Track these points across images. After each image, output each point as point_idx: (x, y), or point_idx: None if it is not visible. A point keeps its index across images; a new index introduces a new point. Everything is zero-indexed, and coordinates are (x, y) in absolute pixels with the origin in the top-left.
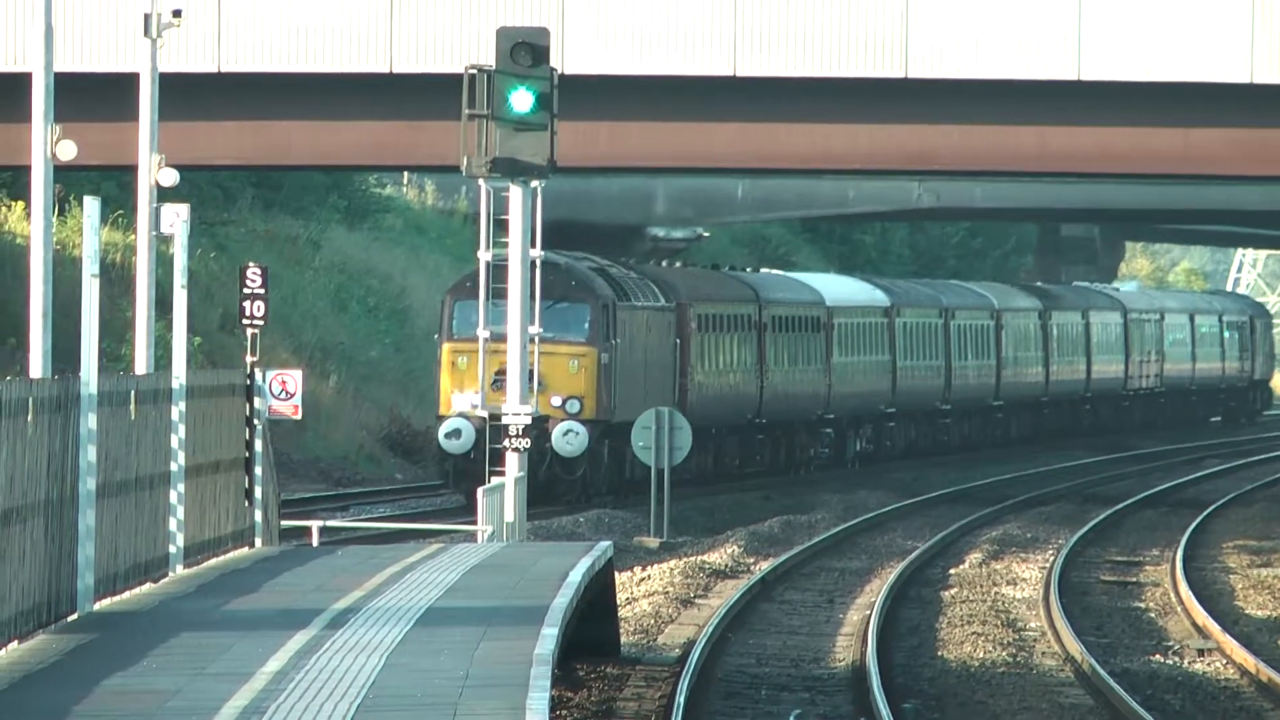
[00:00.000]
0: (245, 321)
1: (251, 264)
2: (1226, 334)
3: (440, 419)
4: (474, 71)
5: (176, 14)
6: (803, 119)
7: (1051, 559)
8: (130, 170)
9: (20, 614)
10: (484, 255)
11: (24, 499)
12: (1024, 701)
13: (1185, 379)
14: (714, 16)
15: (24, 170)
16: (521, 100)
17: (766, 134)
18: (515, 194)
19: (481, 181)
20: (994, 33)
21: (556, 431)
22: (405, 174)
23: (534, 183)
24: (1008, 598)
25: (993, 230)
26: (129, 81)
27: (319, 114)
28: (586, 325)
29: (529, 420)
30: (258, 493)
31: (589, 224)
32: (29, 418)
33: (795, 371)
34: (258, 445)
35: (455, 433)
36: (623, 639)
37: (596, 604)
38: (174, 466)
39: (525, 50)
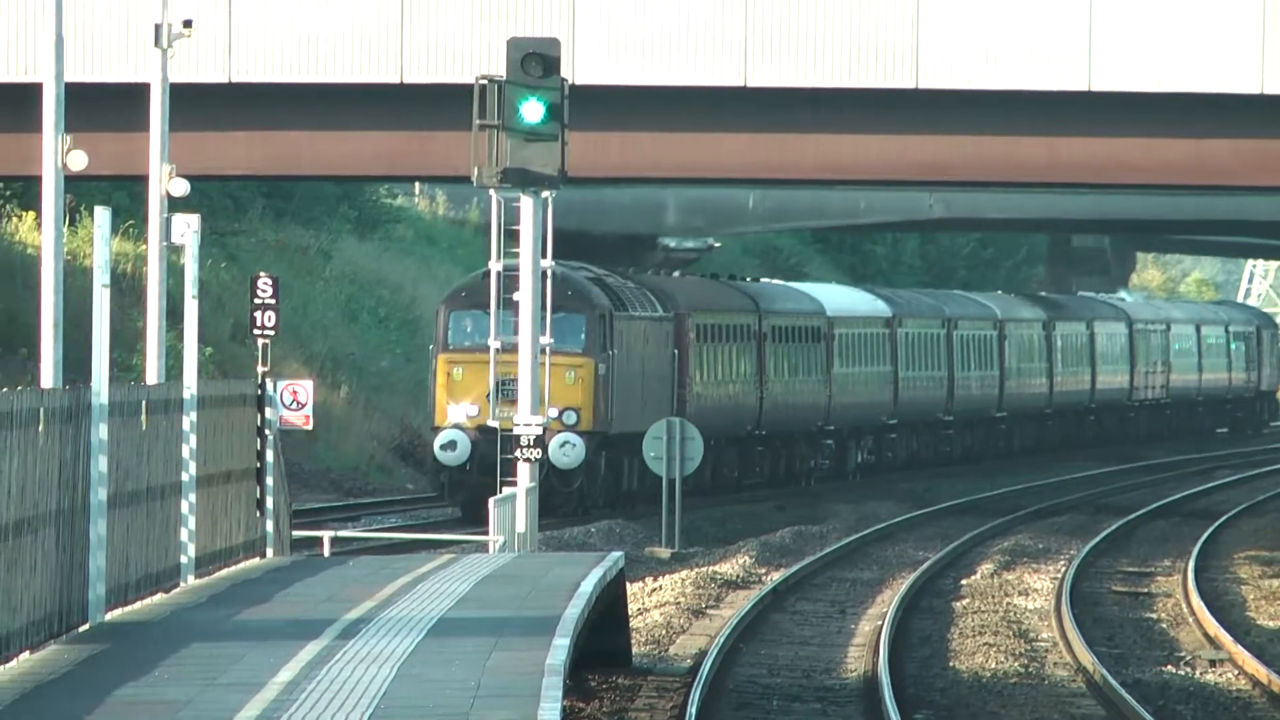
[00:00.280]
0: (256, 332)
1: (262, 274)
2: (1233, 345)
3: (435, 430)
4: (485, 82)
5: (187, 24)
6: (813, 129)
7: (1063, 569)
8: (141, 180)
9: (31, 624)
10: (495, 266)
11: (35, 509)
12: (1036, 712)
13: (1191, 390)
14: (725, 27)
15: (35, 180)
16: (532, 111)
17: (777, 144)
18: (526, 204)
19: (492, 192)
20: (1005, 43)
21: (553, 443)
22: (416, 184)
23: (545, 193)
24: (1019, 608)
25: (1003, 241)
26: (140, 91)
27: (330, 124)
28: (583, 335)
29: (540, 431)
30: (269, 503)
31: (600, 234)
32: (40, 428)
33: (795, 382)
34: (269, 455)
35: (450, 444)
36: (634, 649)
37: (608, 614)
38: (185, 477)
39: (536, 61)
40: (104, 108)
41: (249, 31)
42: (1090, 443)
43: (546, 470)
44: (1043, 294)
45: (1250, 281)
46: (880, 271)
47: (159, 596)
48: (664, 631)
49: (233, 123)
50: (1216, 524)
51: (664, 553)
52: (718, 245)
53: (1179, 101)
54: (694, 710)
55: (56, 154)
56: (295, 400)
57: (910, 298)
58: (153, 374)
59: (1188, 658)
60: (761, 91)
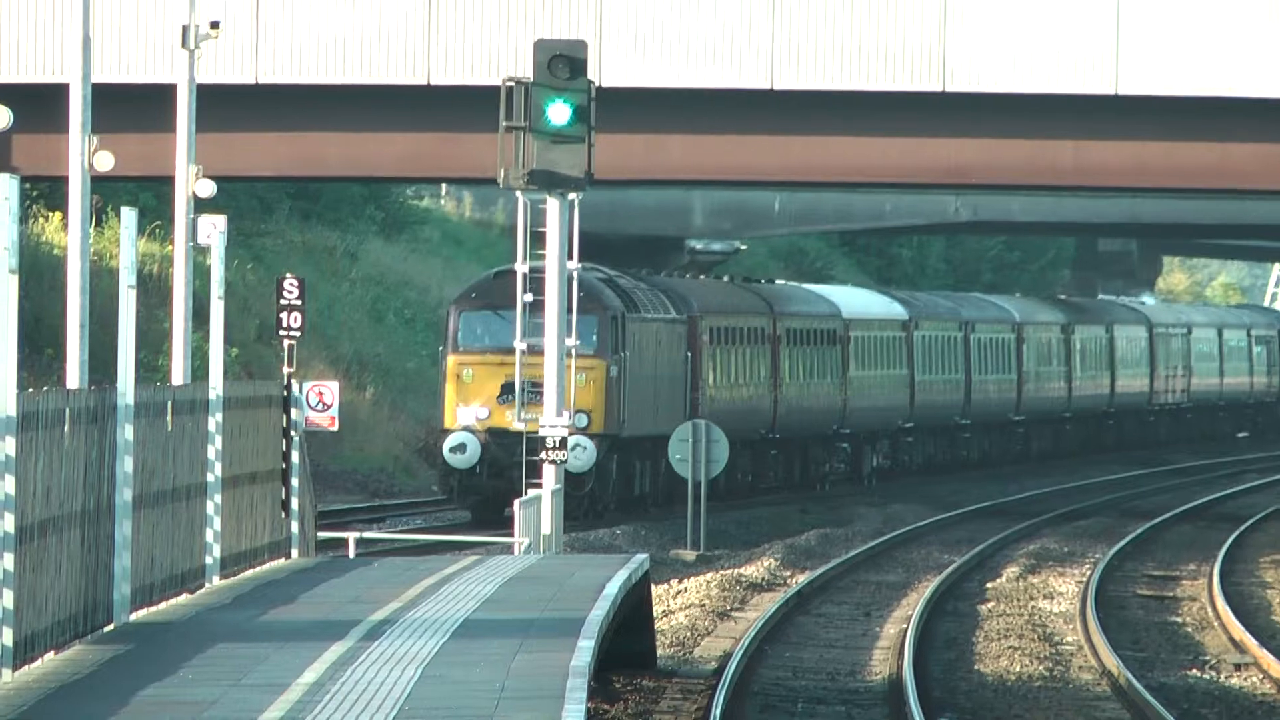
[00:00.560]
0: (282, 333)
1: (288, 275)
2: (1255, 348)
3: (445, 432)
4: (511, 84)
5: (214, 25)
6: (840, 132)
7: (1088, 573)
8: (167, 181)
9: (57, 624)
10: (521, 268)
11: (61, 509)
12: (1061, 716)
13: (1213, 394)
14: (752, 30)
15: (61, 181)
16: (559, 113)
17: (803, 147)
18: (552, 206)
19: (519, 194)
20: (1032, 47)
21: None
22: (443, 186)
23: (571, 195)
24: (1044, 611)
25: (1030, 244)
26: (166, 92)
27: (356, 125)
28: (594, 337)
29: (566, 433)
30: (294, 504)
31: (626, 236)
32: (66, 428)
33: (810, 385)
34: (294, 456)
35: (460, 447)
36: (659, 651)
37: (633, 616)
38: (211, 477)
39: (563, 62)
40: (131, 109)
41: (276, 33)
42: (1109, 447)
43: None
44: (1062, 297)
45: (1277, 285)
46: (905, 275)
47: (184, 597)
48: (689, 634)
49: (259, 124)
50: (1243, 527)
51: (689, 555)
52: (744, 248)
53: (1206, 106)
54: (718, 712)
55: (83, 155)
56: (321, 401)
57: (927, 300)
58: (178, 375)
59: (1213, 661)
60: (788, 94)
